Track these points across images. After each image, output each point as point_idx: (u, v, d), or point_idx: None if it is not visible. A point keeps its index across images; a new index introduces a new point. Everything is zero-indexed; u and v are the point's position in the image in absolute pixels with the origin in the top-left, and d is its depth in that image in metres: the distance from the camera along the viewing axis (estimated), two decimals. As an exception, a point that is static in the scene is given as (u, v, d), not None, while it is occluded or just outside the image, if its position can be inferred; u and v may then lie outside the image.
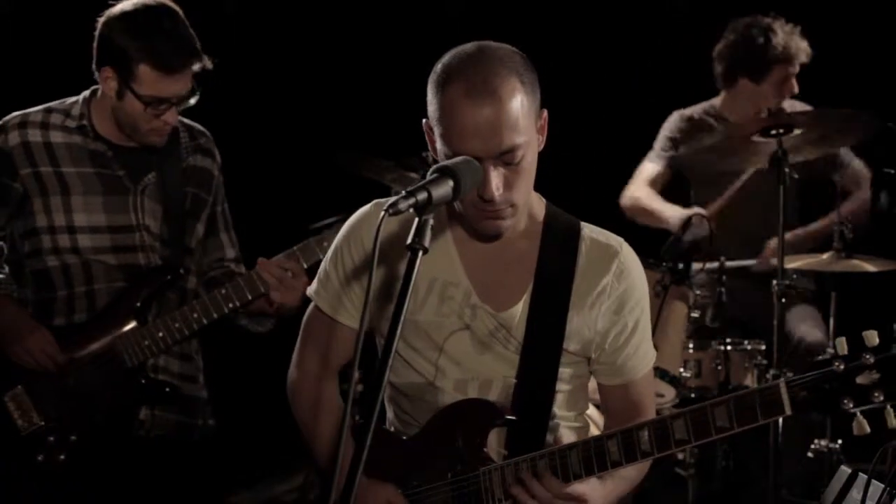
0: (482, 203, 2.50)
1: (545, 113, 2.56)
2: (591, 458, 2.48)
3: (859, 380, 2.28)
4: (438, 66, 2.52)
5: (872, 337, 2.27)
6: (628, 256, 2.68)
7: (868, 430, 2.28)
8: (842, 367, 2.29)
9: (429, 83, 2.53)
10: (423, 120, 2.57)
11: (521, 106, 2.46)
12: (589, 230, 2.69)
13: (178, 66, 3.48)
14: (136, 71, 3.47)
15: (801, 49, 5.02)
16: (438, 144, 2.51)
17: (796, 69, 5.03)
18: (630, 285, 2.66)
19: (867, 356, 2.27)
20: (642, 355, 2.72)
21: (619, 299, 2.65)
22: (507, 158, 2.47)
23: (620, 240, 2.70)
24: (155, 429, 3.67)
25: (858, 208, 5.05)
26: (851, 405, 2.28)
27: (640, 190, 5.27)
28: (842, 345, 2.30)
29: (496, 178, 2.46)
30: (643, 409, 2.73)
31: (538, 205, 2.69)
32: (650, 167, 5.31)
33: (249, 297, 3.56)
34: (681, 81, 5.53)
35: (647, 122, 5.42)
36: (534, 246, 2.67)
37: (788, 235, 4.82)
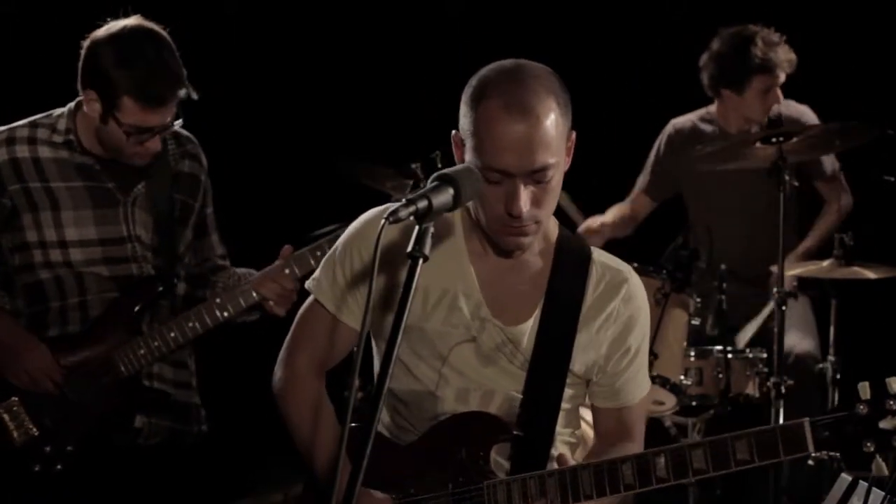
0: (509, 219, 2.51)
1: (574, 135, 2.57)
2: (604, 480, 2.49)
3: (882, 424, 2.34)
4: (475, 80, 2.53)
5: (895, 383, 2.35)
6: (635, 283, 2.70)
7: (886, 472, 2.36)
8: (865, 410, 2.35)
9: (463, 96, 2.54)
10: (454, 132, 2.57)
11: (555, 126, 2.47)
12: (598, 254, 2.72)
13: (160, 99, 3.45)
14: (119, 101, 3.44)
15: (783, 59, 4.98)
16: (469, 156, 2.51)
17: (779, 80, 5.01)
18: (635, 311, 2.68)
19: (890, 402, 2.34)
20: (639, 382, 2.75)
21: (624, 324, 2.67)
22: (538, 177, 2.48)
23: (628, 266, 2.73)
24: (151, 436, 3.67)
25: (830, 228, 5.04)
26: (872, 448, 2.34)
27: (616, 205, 5.40)
28: (865, 389, 2.36)
29: (525, 194, 2.48)
30: (633, 434, 2.75)
31: (552, 225, 2.71)
32: (635, 189, 5.40)
33: (244, 306, 3.58)
34: (679, 87, 5.53)
35: (645, 126, 5.42)
36: (546, 264, 2.68)
37: (790, 257, 4.86)
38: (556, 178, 2.52)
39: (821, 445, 2.35)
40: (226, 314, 3.58)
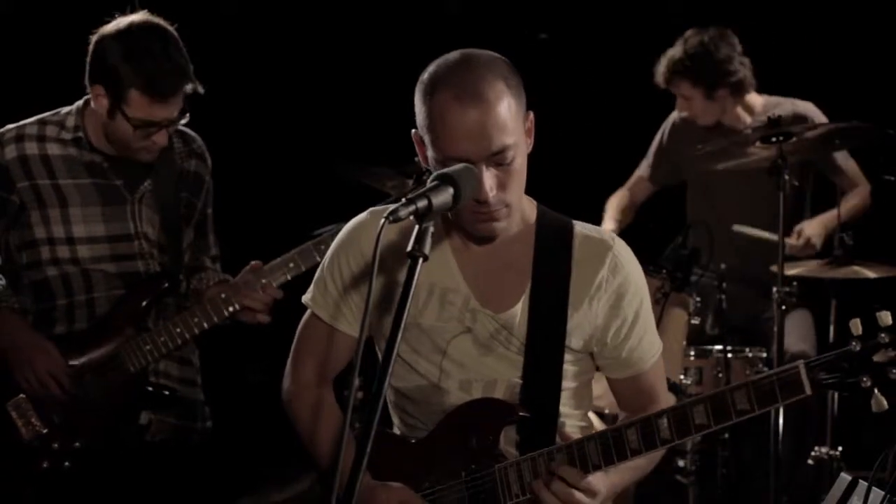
0: (477, 206, 2.53)
1: (531, 115, 2.61)
2: (610, 448, 2.50)
3: (876, 358, 2.34)
4: (425, 76, 2.57)
5: (886, 317, 2.35)
6: (621, 250, 2.71)
7: (886, 405, 2.34)
8: (858, 346, 2.35)
9: (416, 93, 2.58)
10: (413, 131, 2.61)
11: (508, 108, 2.51)
12: (581, 227, 2.73)
13: (167, 93, 3.48)
14: (126, 95, 3.47)
15: (676, 77, 5.01)
16: (429, 152, 2.55)
17: (679, 90, 5.04)
18: (625, 278, 2.69)
19: (882, 335, 2.34)
20: (647, 346, 2.74)
21: (616, 292, 2.68)
22: (498, 159, 2.51)
23: (612, 234, 2.75)
24: (157, 433, 3.69)
25: (861, 202, 5.02)
26: (869, 383, 2.34)
27: (615, 196, 5.38)
28: (856, 326, 2.37)
29: (489, 179, 2.51)
30: (656, 396, 2.77)
31: (529, 207, 2.73)
32: (637, 173, 5.39)
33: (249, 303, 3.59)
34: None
35: (644, 124, 5.42)
36: (528, 247, 2.70)
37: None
38: (519, 160, 2.55)
39: (818, 386, 2.36)
40: (231, 309, 3.60)
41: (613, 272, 2.67)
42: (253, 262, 3.65)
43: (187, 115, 3.57)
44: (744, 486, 4.91)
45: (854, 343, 2.36)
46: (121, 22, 3.53)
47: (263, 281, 3.60)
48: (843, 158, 5.10)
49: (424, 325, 2.69)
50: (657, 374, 2.79)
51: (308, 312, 2.82)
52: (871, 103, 5.25)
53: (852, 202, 5.00)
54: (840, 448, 4.54)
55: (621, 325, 2.69)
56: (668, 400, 2.80)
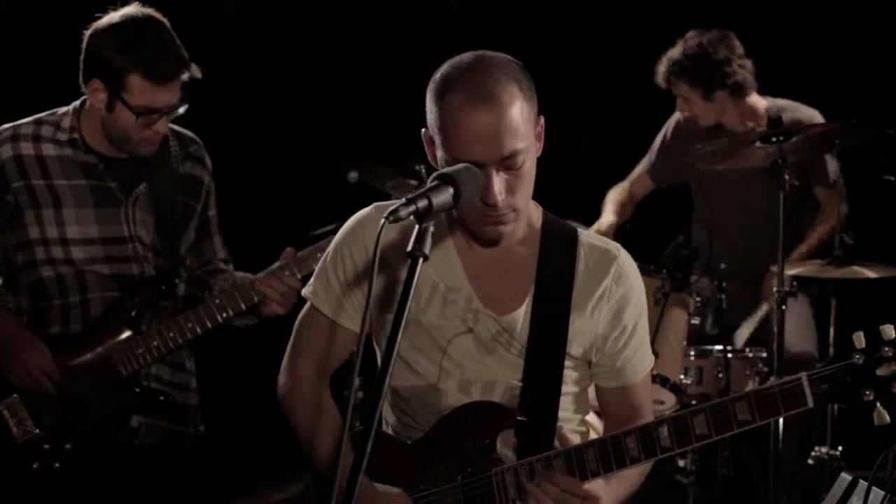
0: (485, 208, 2.52)
1: (542, 119, 2.60)
2: (609, 455, 2.50)
3: (879, 372, 2.35)
4: (437, 76, 2.55)
5: (890, 331, 2.35)
6: (625, 261, 2.71)
7: (888, 419, 2.35)
8: (861, 359, 2.36)
9: (428, 93, 2.56)
10: (423, 130, 2.59)
11: (520, 112, 2.49)
12: (586, 236, 2.73)
13: (168, 76, 3.47)
14: (126, 82, 3.46)
15: (675, 78, 5.01)
16: (439, 153, 2.54)
17: (681, 91, 5.04)
18: (628, 289, 2.69)
19: (886, 349, 2.35)
20: (641, 358, 2.75)
21: (618, 303, 2.68)
22: (508, 163, 2.49)
23: (617, 245, 2.74)
24: (148, 436, 3.68)
25: (826, 235, 5.03)
26: (871, 396, 2.35)
27: (614, 190, 5.37)
28: (860, 339, 2.37)
29: (499, 183, 2.49)
30: (642, 411, 2.76)
31: (535, 212, 2.73)
32: (637, 170, 5.38)
33: (243, 308, 3.58)
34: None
35: (644, 127, 5.42)
36: (533, 252, 2.69)
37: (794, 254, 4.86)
38: (528, 164, 2.53)
39: (820, 399, 2.37)
40: (225, 315, 3.58)
41: (617, 282, 2.68)
42: (286, 250, 3.60)
43: (187, 103, 3.56)
44: (744, 486, 4.91)
45: (857, 356, 2.36)
46: (113, 16, 3.53)
47: (287, 273, 3.56)
48: (832, 171, 5.07)
49: (425, 323, 2.68)
50: (646, 391, 2.79)
51: (308, 306, 2.80)
52: (871, 103, 5.26)
53: (818, 234, 5.04)
54: (840, 448, 4.54)
55: (620, 334, 2.69)
56: (650, 417, 2.77)
